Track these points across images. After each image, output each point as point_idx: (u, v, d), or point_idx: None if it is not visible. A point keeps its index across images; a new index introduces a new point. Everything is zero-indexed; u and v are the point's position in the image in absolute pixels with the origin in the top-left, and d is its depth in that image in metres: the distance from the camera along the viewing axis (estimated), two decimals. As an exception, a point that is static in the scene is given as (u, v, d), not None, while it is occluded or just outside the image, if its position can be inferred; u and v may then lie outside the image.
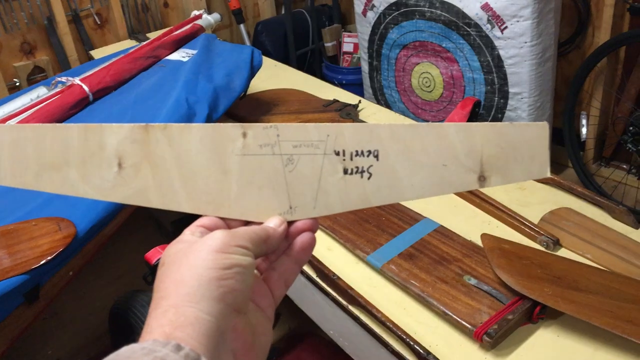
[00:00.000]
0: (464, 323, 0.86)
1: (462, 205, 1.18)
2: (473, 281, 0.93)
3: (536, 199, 1.17)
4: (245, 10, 3.19)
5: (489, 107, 2.10)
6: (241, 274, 0.39)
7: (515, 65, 1.95)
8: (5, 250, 1.04)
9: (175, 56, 1.67)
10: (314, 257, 1.05)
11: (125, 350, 0.34)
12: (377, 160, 0.45)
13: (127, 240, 1.99)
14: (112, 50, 2.14)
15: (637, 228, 1.07)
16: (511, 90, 2.01)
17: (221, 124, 0.46)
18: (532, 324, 0.88)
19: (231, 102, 1.47)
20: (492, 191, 1.18)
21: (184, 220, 1.04)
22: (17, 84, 2.48)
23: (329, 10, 3.23)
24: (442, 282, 0.94)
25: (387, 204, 0.83)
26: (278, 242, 0.45)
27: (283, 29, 2.98)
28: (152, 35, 2.42)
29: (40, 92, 1.57)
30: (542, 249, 1.03)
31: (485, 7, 1.92)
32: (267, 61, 2.04)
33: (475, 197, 1.17)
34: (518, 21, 1.88)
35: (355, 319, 0.96)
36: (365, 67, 2.49)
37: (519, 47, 1.92)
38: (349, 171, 0.46)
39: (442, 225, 1.08)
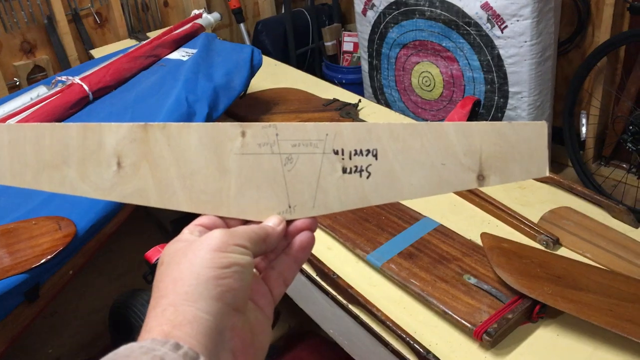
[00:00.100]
0: (463, 322, 0.86)
1: (462, 205, 1.18)
2: (473, 280, 0.93)
3: (536, 198, 1.17)
4: (245, 9, 3.19)
5: (488, 107, 2.10)
6: (240, 273, 0.39)
7: (515, 64, 1.95)
8: (6, 249, 1.04)
9: (175, 55, 1.67)
10: (313, 256, 1.05)
11: (124, 349, 0.34)
12: (376, 159, 0.45)
13: (126, 239, 1.99)
14: (112, 50, 2.14)
15: (636, 227, 1.07)
16: (511, 89, 2.01)
17: (220, 123, 0.46)
18: (532, 323, 0.88)
19: (231, 101, 1.47)
20: (492, 190, 1.18)
21: (183, 219, 1.04)
22: (17, 83, 2.48)
23: (329, 10, 3.23)
24: (442, 281, 0.94)
25: (386, 203, 0.83)
26: (277, 241, 0.45)
27: (283, 28, 2.98)
28: (152, 34, 2.42)
29: (40, 91, 1.57)
30: (542, 248, 1.03)
31: (485, 6, 1.92)
32: (267, 60, 2.04)
33: (475, 196, 1.17)
34: (518, 20, 1.88)
35: (355, 317, 0.96)
36: (365, 66, 2.49)
37: (519, 46, 1.92)
38: (348, 170, 0.46)
39: (442, 225, 1.08)
